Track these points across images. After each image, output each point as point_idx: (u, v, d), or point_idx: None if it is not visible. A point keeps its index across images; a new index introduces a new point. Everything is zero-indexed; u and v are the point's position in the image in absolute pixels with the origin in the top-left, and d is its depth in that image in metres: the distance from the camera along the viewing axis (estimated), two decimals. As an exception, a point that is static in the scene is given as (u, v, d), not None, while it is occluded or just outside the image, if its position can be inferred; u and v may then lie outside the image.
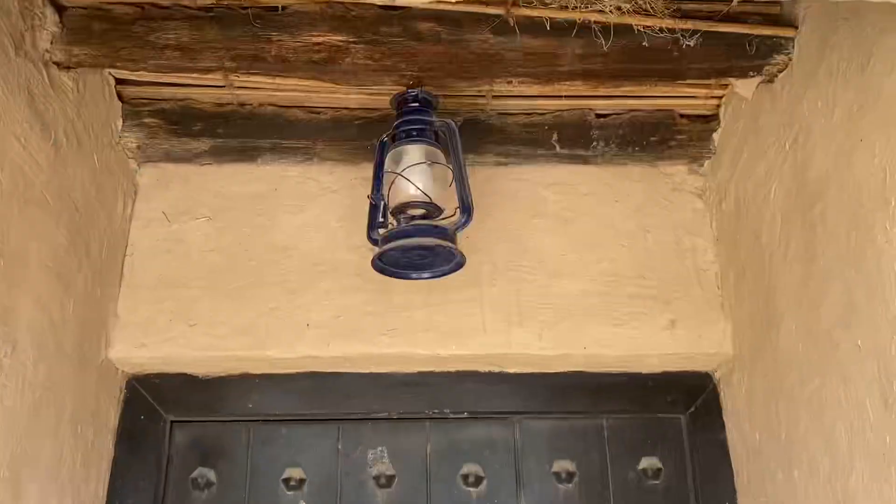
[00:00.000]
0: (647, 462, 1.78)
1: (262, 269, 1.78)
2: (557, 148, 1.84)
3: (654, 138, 1.84)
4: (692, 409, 1.81)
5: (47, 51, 1.43)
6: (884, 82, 1.15)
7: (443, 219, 1.50)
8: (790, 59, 1.48)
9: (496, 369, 1.81)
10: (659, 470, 1.78)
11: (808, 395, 1.39)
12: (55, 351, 1.46)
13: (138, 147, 1.77)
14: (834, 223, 1.30)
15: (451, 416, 1.80)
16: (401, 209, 1.46)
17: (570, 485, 1.76)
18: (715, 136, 1.83)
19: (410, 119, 1.52)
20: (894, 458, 1.13)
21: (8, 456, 1.30)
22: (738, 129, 1.70)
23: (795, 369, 1.44)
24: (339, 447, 1.78)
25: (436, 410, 1.80)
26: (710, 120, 1.83)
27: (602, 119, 1.83)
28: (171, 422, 1.77)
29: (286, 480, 1.74)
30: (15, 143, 1.32)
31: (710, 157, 1.86)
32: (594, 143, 1.84)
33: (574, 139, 1.84)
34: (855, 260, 1.23)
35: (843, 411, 1.27)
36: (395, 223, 1.48)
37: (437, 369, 1.80)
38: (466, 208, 1.48)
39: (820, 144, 1.35)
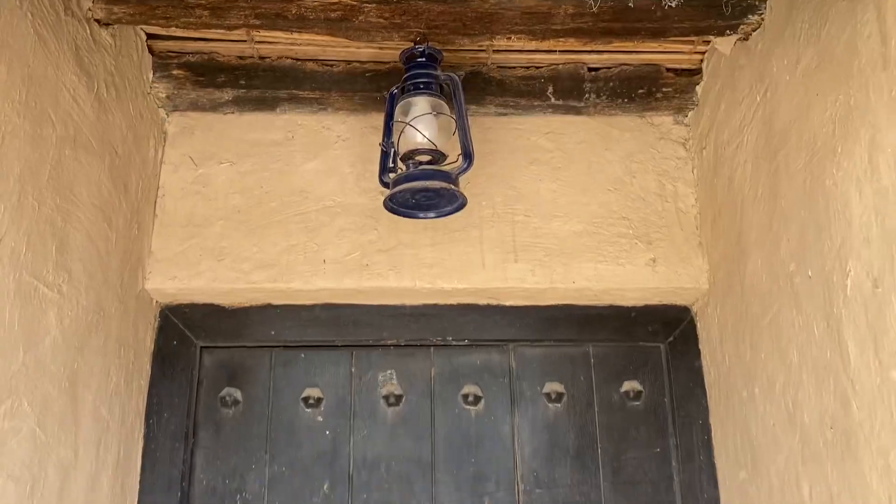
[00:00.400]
0: (629, 385, 1.98)
1: (282, 210, 1.95)
2: (553, 99, 1.99)
3: (641, 90, 1.99)
4: (671, 338, 2.00)
5: (90, 9, 1.58)
6: (836, 44, 1.30)
7: (447, 164, 1.66)
8: (762, 20, 1.62)
9: (494, 302, 1.99)
10: (640, 392, 1.98)
11: (768, 321, 1.58)
12: (102, 281, 1.64)
13: (167, 97, 1.92)
14: (794, 168, 1.46)
15: (453, 343, 2.00)
16: (409, 155, 1.63)
17: (560, 404, 1.97)
18: (698, 88, 1.98)
19: (418, 73, 1.68)
20: (832, 370, 1.32)
21: (68, 370, 1.49)
22: (718, 82, 1.85)
23: (759, 299, 1.62)
24: (353, 370, 1.98)
25: (439, 338, 1.99)
26: (694, 74, 1.97)
27: (594, 73, 1.98)
28: (201, 347, 1.96)
29: (305, 399, 1.95)
30: (66, 94, 1.48)
31: (693, 108, 2.02)
32: (587, 95, 1.99)
33: (568, 91, 1.99)
34: (808, 200, 1.40)
35: (796, 333, 1.46)
36: (403, 168, 1.65)
37: (441, 302, 1.99)
38: (468, 155, 1.65)
39: (785, 98, 1.50)
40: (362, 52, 1.91)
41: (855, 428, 1.24)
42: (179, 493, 1.83)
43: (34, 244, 1.37)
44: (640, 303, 1.99)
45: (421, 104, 1.63)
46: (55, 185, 1.44)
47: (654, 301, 1.99)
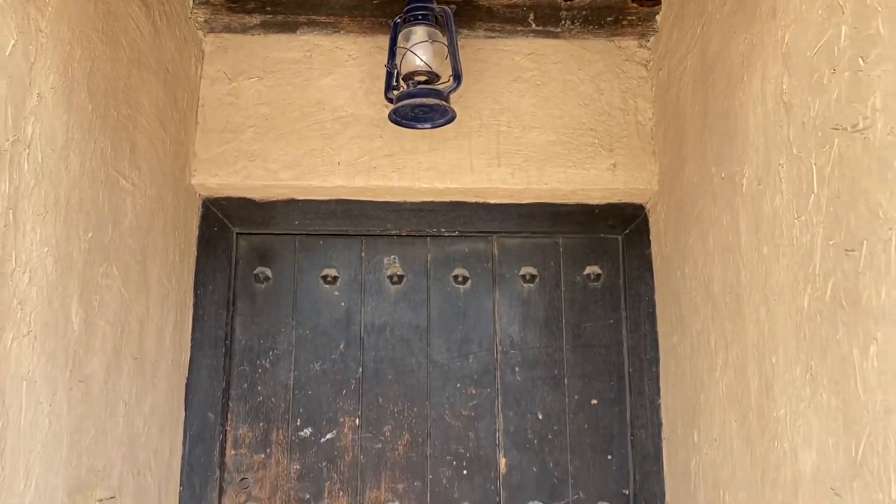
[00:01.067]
0: (590, 269, 2.40)
1: (303, 119, 2.31)
2: (533, 25, 2.32)
3: (610, 18, 2.32)
4: (627, 231, 2.39)
5: (145, -50, 1.90)
6: (747, -8, 1.64)
7: (440, 84, 2.02)
8: (705, -37, 1.94)
9: (480, 200, 2.38)
10: (599, 275, 2.39)
11: (696, 215, 1.97)
12: (160, 176, 2.03)
13: (205, 21, 2.26)
14: (717, 90, 1.82)
15: (446, 234, 2.40)
16: (409, 76, 1.98)
17: (533, 284, 2.39)
18: (658, 17, 2.31)
19: (417, 6, 2.01)
20: (732, 250, 1.71)
21: (140, 246, 1.90)
22: (672, 13, 2.17)
23: (691, 198, 2.01)
24: (363, 255, 2.39)
25: (434, 230, 2.39)
26: (655, 4, 2.29)
27: (569, 2, 2.30)
28: (237, 233, 2.37)
29: (324, 277, 2.37)
30: (132, 23, 1.83)
31: (653, 34, 2.35)
32: (563, 22, 2.32)
33: (546, 18, 2.31)
34: (725, 117, 1.76)
35: (712, 223, 1.85)
36: (405, 86, 2.01)
37: (436, 199, 2.37)
38: (457, 76, 2.00)
39: (715, 32, 1.84)
40: (370, -18, 2.23)
41: (741, 291, 1.65)
42: (223, 349, 2.27)
43: (115, 146, 1.75)
44: (603, 201, 2.38)
45: (419, 32, 1.97)
46: (126, 99, 1.81)
47: (614, 200, 2.37)
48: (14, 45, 1.32)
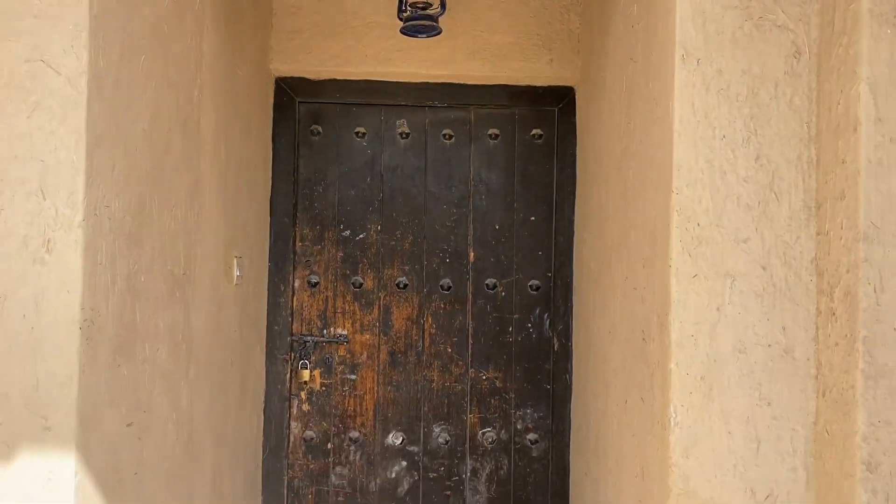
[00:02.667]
0: (535, 131, 3.57)
1: (343, 25, 3.42)
2: (501, -40, 3.38)
3: (554, -44, 3.36)
4: (561, 105, 3.54)
5: (245, -82, 2.96)
6: (615, -37, 2.71)
7: (432, 9, 3.11)
8: (605, -69, 2.97)
9: (462, 82, 3.51)
10: (541, 135, 3.57)
11: (595, 96, 3.11)
12: (253, 66, 3.18)
13: (276, -44, 3.33)
14: (606, 14, 2.91)
15: (438, 105, 3.56)
16: (413, 4, 3.08)
17: (496, 141, 3.57)
18: (586, -43, 3.35)
19: (419, -46, 3.08)
20: (604, 121, 2.87)
21: (246, 110, 3.08)
22: (591, -42, 3.22)
23: (593, 85, 3.15)
24: (382, 118, 3.57)
25: (431, 102, 3.55)
26: (584, -52, 3.33)
27: (526, -56, 3.34)
28: (298, 101, 3.54)
29: (356, 133, 3.56)
30: (240, -30, 2.93)
31: (584, -32, 3.40)
32: (521, -42, 3.37)
33: (510, -45, 3.36)
34: (606, 32, 2.87)
35: (600, 102, 3.00)
36: (409, 11, 3.11)
37: (432, 80, 3.51)
38: (443, 4, 3.10)
39: (606, -20, 2.92)
40: (388, -70, 3.27)
41: (603, 146, 2.84)
42: (292, 179, 3.51)
43: (235, 51, 2.90)
44: (545, 84, 3.51)
45: (420, -27, 3.06)
46: (238, 19, 2.94)
47: (552, 83, 3.51)
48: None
